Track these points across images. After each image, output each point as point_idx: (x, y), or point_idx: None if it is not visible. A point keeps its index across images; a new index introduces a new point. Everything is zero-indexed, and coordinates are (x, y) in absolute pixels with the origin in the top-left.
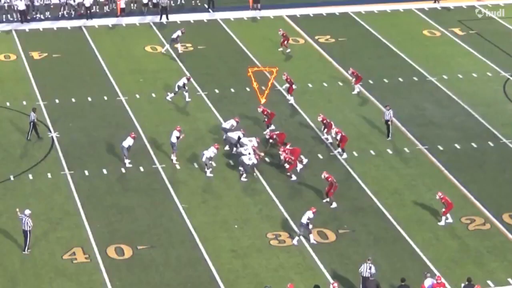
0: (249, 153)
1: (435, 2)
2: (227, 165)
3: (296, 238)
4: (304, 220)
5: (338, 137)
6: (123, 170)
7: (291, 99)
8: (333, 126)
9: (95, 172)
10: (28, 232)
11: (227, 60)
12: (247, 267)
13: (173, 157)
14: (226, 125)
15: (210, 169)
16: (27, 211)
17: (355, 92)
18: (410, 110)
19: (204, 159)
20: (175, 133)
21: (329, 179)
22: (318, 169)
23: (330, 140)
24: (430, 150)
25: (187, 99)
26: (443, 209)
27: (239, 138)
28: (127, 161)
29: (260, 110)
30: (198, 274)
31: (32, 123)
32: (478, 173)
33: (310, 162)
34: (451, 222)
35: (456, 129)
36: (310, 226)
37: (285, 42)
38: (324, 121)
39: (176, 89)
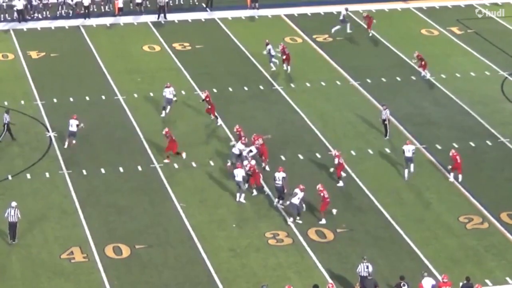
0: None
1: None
2: (225, 164)
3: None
4: (295, 201)
5: (336, 162)
6: (121, 169)
7: (288, 69)
8: (243, 140)
9: (93, 172)
10: (17, 224)
11: (225, 59)
12: (245, 266)
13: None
14: (234, 149)
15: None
16: (14, 203)
17: (425, 75)
18: (408, 109)
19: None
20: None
21: (321, 194)
22: (316, 168)
23: (237, 152)
24: (428, 149)
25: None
26: (451, 166)
27: (250, 151)
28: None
29: (204, 95)
30: (196, 274)
31: (6, 125)
32: (476, 172)
33: (308, 161)
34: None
35: (454, 128)
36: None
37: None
38: (238, 133)
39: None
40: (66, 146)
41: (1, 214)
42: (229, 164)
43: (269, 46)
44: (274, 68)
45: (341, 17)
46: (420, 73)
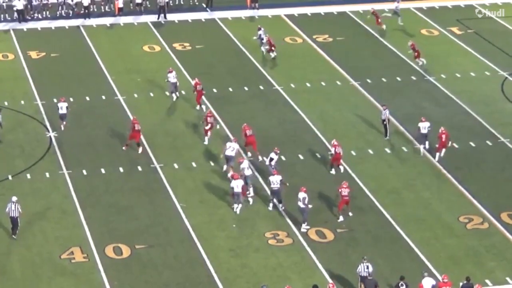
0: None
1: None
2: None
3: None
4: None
5: (333, 151)
6: (121, 169)
7: (273, 55)
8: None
9: (93, 172)
10: (18, 219)
11: (225, 59)
12: (245, 266)
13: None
14: (231, 152)
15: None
16: (14, 198)
17: (422, 63)
18: (408, 109)
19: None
20: (234, 145)
21: (339, 190)
22: (316, 168)
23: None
24: (428, 149)
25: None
26: (437, 145)
27: (271, 159)
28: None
29: (193, 82)
30: (197, 274)
31: None
32: (476, 172)
33: (309, 161)
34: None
35: (454, 128)
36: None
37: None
38: (207, 117)
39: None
40: (62, 128)
41: (2, 214)
42: (230, 173)
43: (261, 31)
44: (265, 53)
45: (395, 9)
46: (420, 74)
